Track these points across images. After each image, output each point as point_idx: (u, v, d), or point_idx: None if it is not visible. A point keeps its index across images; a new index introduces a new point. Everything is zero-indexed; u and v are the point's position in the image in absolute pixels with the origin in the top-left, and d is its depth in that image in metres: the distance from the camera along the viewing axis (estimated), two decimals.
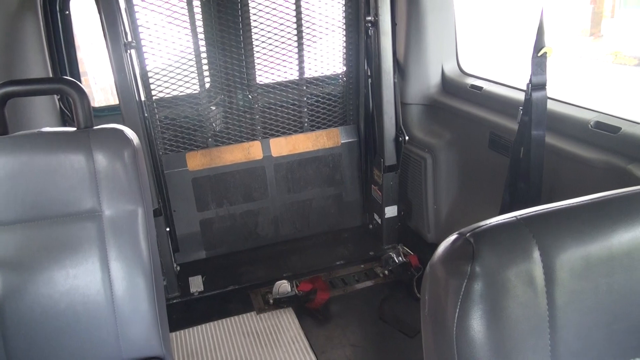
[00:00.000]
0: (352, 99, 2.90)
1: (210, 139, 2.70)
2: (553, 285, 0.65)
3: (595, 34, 9.26)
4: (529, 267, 0.64)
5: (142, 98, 2.25)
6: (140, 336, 1.29)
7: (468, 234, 0.67)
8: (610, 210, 0.71)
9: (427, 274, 0.70)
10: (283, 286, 2.44)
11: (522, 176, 1.83)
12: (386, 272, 2.62)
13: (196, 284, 2.63)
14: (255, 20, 2.58)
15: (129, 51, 2.13)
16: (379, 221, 2.83)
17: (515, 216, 0.69)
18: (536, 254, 0.65)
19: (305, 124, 2.86)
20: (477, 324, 0.63)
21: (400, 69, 2.66)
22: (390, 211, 2.76)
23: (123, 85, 2.12)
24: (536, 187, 1.81)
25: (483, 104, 2.32)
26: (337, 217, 3.03)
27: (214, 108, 2.69)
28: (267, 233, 2.93)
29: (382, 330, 2.26)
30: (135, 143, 1.28)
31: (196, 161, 2.69)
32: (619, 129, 1.68)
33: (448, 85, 2.62)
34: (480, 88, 2.35)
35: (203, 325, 2.35)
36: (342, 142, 2.91)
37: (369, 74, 2.67)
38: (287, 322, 2.33)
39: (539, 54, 1.69)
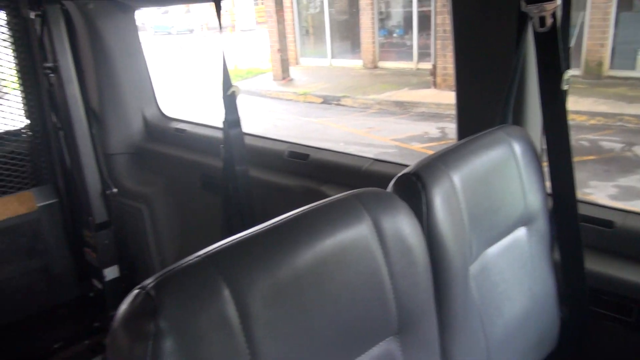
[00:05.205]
0: (43, 155, 2.52)
1: None
2: (249, 320, 0.61)
3: (287, 78, 10.67)
4: (220, 309, 0.59)
5: None
6: None
7: (149, 286, 0.58)
8: (292, 230, 0.71)
9: (108, 343, 0.58)
10: None
11: (235, 211, 1.86)
12: None
13: None
14: None
15: None
16: (100, 286, 2.50)
17: (199, 255, 0.63)
18: (226, 292, 0.60)
19: None
20: None
21: (97, 118, 2.44)
22: (111, 273, 2.47)
23: None
24: (249, 220, 1.86)
25: (189, 146, 2.30)
26: (47, 293, 2.56)
27: None
28: None
29: None
30: None
31: None
32: (309, 156, 1.88)
33: (152, 131, 2.52)
34: (183, 131, 2.33)
35: None
36: (39, 205, 2.48)
37: (59, 125, 2.37)
38: None
39: (229, 93, 1.76)
